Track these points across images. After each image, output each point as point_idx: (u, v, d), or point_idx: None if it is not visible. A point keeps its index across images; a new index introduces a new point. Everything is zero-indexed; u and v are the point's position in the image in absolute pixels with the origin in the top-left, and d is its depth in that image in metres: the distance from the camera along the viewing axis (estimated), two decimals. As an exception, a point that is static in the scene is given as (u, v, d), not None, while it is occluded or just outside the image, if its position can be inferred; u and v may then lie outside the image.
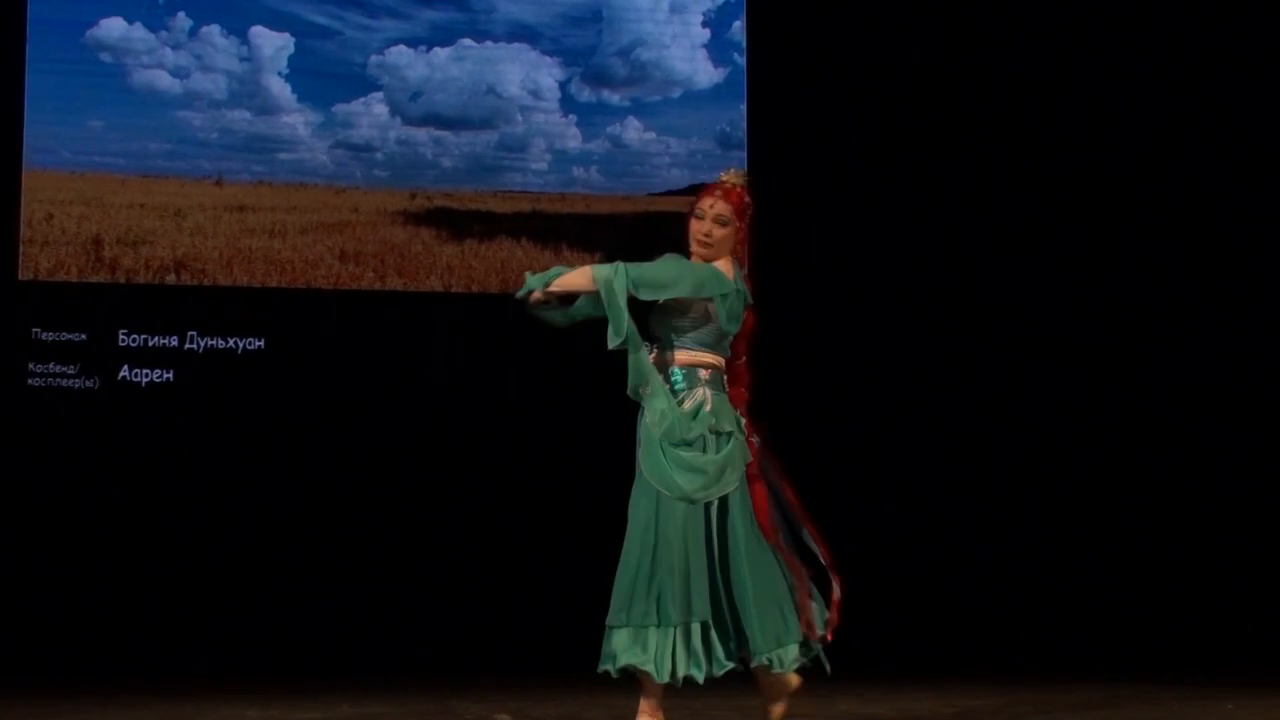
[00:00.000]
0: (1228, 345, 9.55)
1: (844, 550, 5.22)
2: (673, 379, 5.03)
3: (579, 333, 5.30)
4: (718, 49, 9.56)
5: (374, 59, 9.29)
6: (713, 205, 5.06)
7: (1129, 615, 9.09)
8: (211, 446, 8.84)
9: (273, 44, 9.17)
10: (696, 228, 5.07)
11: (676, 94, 9.55)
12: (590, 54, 9.52)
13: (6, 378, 8.70)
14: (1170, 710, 6.43)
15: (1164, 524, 9.36)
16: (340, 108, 9.25)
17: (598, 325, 5.01)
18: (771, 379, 5.39)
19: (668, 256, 5.09)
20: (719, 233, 5.05)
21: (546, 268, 5.14)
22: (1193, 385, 9.49)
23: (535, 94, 9.45)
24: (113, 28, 9.01)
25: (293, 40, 9.19)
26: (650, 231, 9.08)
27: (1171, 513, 9.39)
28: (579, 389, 8.25)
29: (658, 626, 4.88)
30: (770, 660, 4.97)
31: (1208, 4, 9.67)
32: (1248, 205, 9.61)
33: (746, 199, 5.12)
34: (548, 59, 9.47)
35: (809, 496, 5.16)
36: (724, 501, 4.98)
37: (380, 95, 9.30)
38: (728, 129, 9.52)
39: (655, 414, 4.96)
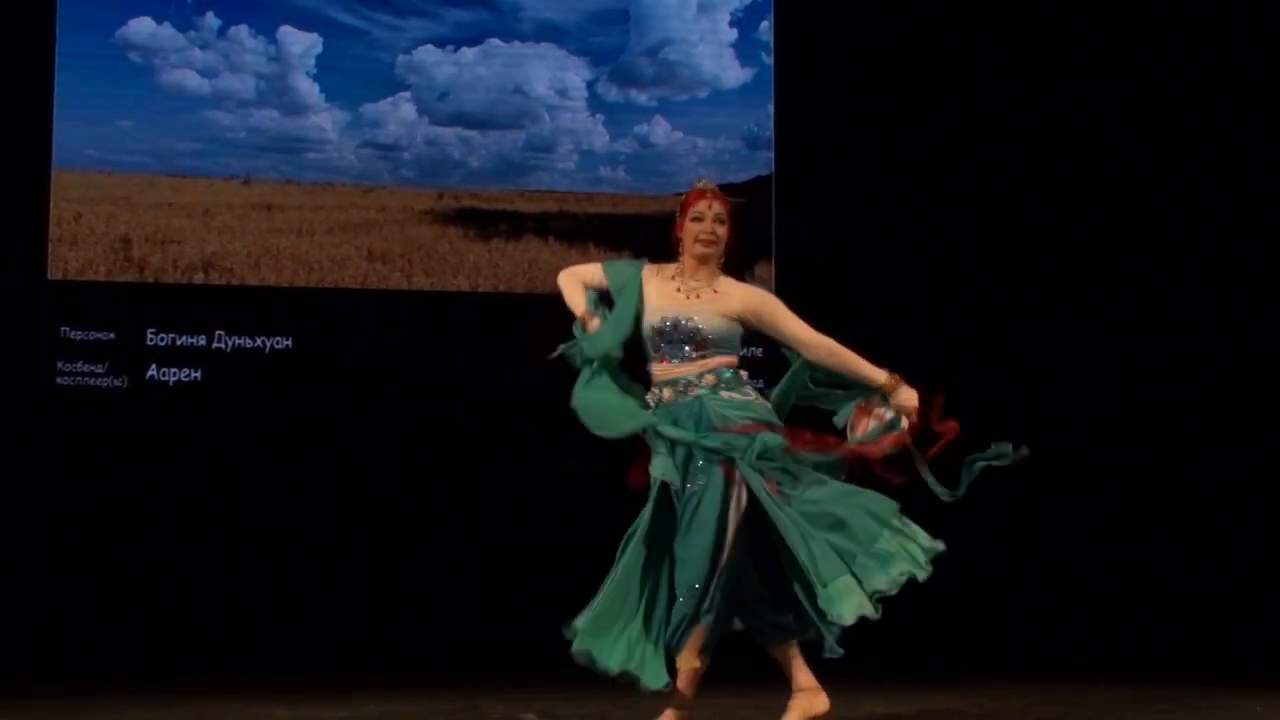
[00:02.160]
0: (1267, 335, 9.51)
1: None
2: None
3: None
4: (745, 49, 9.55)
5: (401, 59, 9.32)
6: (710, 206, 5.29)
7: (1156, 616, 9.05)
8: (239, 445, 8.87)
9: (301, 44, 9.19)
10: (697, 229, 5.25)
11: (704, 94, 9.55)
12: (617, 53, 9.53)
13: (35, 376, 8.74)
14: (1197, 711, 6.41)
15: (1192, 524, 9.32)
16: (368, 107, 9.27)
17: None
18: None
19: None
20: (721, 230, 5.28)
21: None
22: (1227, 381, 9.45)
23: (562, 93, 9.46)
24: (142, 28, 9.05)
25: (321, 40, 9.22)
26: (677, 231, 9.06)
27: (1199, 513, 9.35)
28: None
29: None
30: None
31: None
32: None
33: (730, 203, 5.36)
34: (575, 58, 9.47)
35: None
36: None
37: (408, 95, 9.32)
38: (755, 129, 9.51)
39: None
